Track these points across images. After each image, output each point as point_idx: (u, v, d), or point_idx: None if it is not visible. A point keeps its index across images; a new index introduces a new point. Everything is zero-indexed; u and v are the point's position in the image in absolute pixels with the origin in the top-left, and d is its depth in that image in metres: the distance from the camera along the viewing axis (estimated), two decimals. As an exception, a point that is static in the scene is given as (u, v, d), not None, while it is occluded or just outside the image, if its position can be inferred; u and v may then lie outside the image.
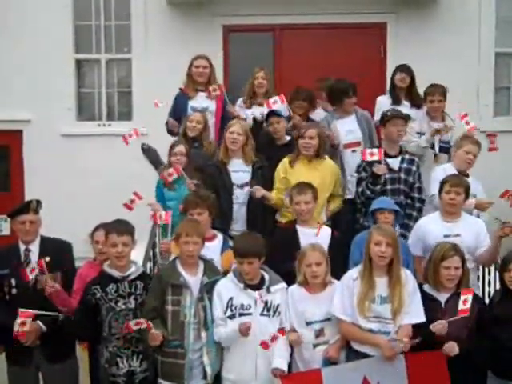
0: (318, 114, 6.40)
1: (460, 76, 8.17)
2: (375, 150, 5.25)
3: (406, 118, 5.65)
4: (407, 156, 5.57)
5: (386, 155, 5.39)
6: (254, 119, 6.20)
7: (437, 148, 5.90)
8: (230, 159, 5.58)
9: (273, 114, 5.87)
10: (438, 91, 6.10)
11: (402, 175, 5.46)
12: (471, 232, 4.84)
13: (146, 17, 8.73)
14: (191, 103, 6.30)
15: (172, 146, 5.69)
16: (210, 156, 5.79)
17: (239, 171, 5.56)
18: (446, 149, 5.96)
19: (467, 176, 5.41)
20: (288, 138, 5.94)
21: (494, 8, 8.57)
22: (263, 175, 5.57)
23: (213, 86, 6.26)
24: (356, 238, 4.91)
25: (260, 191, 5.37)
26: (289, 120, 6.07)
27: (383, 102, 6.45)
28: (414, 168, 5.51)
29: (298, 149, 5.50)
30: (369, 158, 5.23)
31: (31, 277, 4.35)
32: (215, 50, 7.74)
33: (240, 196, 5.52)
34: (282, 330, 4.11)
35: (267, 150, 5.83)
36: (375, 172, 5.30)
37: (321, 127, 5.70)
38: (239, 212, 5.51)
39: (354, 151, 5.92)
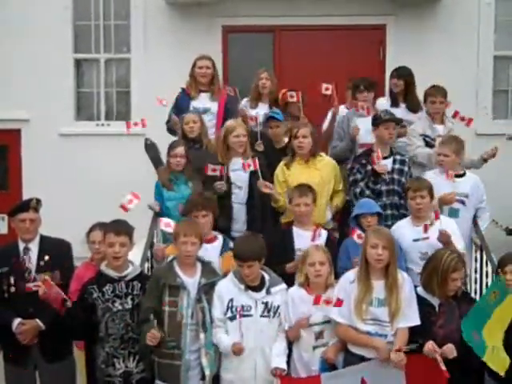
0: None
1: (459, 79, 8.18)
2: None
3: (399, 122, 5.67)
4: (398, 157, 5.58)
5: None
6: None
7: None
8: (230, 160, 5.57)
9: (272, 118, 5.89)
10: (440, 93, 6.09)
11: (396, 176, 5.47)
12: None
13: (145, 17, 8.74)
14: (193, 103, 6.30)
15: (171, 147, 5.68)
16: (211, 155, 5.75)
17: (238, 170, 5.51)
18: None
19: (463, 175, 5.46)
20: (286, 140, 5.93)
21: (493, 11, 8.59)
22: (262, 175, 5.48)
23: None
24: (344, 242, 4.93)
25: (266, 187, 5.31)
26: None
27: (382, 105, 6.43)
28: (406, 168, 5.54)
29: (293, 150, 5.50)
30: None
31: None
32: (214, 51, 7.73)
33: (239, 195, 5.50)
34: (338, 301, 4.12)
35: (268, 154, 5.81)
36: (377, 170, 5.31)
37: (311, 126, 5.72)
38: (239, 212, 5.48)
39: None
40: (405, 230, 4.93)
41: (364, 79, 6.14)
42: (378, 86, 7.46)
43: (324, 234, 4.93)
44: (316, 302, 4.13)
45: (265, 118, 6.05)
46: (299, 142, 5.43)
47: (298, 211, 4.93)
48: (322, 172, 5.48)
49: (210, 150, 5.84)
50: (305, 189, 4.98)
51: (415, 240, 4.84)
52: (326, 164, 5.57)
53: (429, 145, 5.95)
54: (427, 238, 4.78)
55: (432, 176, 5.35)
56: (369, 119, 5.98)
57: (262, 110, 6.28)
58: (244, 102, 6.47)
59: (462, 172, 5.54)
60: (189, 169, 5.62)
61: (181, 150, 5.60)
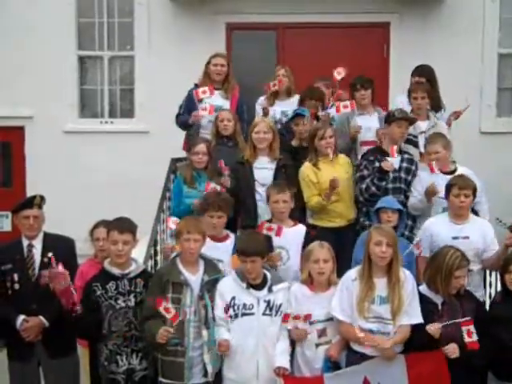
0: None
1: (463, 76, 8.17)
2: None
3: (412, 120, 5.64)
4: (406, 155, 5.57)
5: (387, 154, 5.40)
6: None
7: (422, 148, 5.86)
8: (256, 157, 5.56)
9: (299, 115, 5.86)
10: (420, 88, 6.02)
11: (403, 174, 5.48)
12: (479, 234, 4.79)
13: (148, 14, 8.75)
14: (206, 100, 6.21)
15: (192, 145, 5.65)
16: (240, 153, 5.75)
17: (263, 168, 5.52)
18: None
19: (454, 171, 5.34)
20: None
21: (497, 8, 8.58)
22: (288, 173, 5.51)
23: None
24: (361, 236, 4.90)
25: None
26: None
27: (403, 102, 6.28)
28: (414, 167, 5.53)
29: (317, 150, 5.51)
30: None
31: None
32: (218, 48, 7.72)
33: (263, 194, 5.40)
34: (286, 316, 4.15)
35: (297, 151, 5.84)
36: (383, 167, 5.30)
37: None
38: (265, 210, 5.39)
39: None
40: (443, 227, 4.83)
41: (360, 78, 6.10)
42: (383, 83, 7.47)
43: (302, 230, 4.93)
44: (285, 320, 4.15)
45: (291, 116, 6.02)
46: (327, 142, 5.45)
47: (277, 208, 4.93)
48: (345, 168, 5.57)
49: (242, 149, 5.82)
50: (283, 185, 5.00)
51: (454, 238, 4.70)
52: (344, 160, 5.65)
53: (412, 143, 5.87)
54: (467, 238, 4.72)
55: (424, 175, 5.33)
56: (368, 117, 6.00)
57: (279, 108, 6.28)
58: (260, 100, 6.45)
59: (453, 168, 5.43)
60: (211, 167, 5.57)
61: (202, 147, 5.54)
